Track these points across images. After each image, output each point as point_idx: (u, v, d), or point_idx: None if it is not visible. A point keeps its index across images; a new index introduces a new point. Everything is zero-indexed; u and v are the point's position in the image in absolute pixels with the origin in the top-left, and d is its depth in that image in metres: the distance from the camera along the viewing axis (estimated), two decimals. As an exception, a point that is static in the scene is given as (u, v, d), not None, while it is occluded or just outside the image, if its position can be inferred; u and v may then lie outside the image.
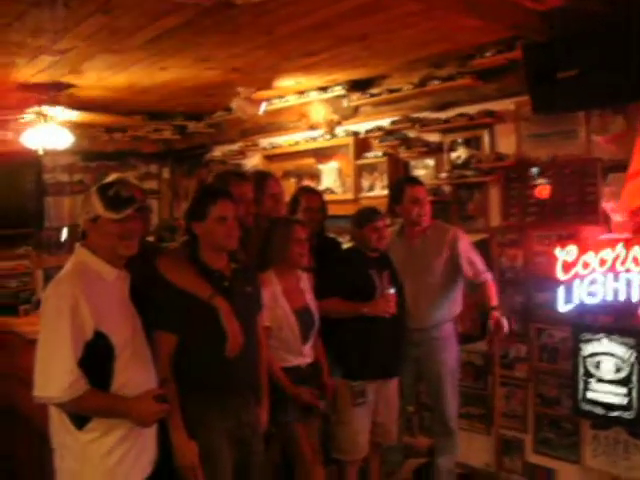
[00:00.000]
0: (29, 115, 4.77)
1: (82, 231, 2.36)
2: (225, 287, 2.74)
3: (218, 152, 6.50)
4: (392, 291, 3.48)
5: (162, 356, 2.61)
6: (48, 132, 4.68)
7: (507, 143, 4.05)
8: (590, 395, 3.57)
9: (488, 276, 3.83)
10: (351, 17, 3.14)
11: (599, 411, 3.54)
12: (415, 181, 4.03)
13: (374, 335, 3.55)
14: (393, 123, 4.70)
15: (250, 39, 3.55)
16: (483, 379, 4.30)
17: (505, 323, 3.74)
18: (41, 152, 4.83)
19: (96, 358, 2.22)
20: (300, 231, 3.35)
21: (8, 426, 3.86)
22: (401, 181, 4.14)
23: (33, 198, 6.18)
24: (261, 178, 3.72)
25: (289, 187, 4.98)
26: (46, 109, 4.67)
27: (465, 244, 3.85)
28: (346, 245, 4.21)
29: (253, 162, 6.04)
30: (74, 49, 3.59)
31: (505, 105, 4.02)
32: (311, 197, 3.98)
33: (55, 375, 2.15)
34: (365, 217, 3.66)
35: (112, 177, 3.03)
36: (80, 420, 2.24)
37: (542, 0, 2.98)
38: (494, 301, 3.78)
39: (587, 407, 3.59)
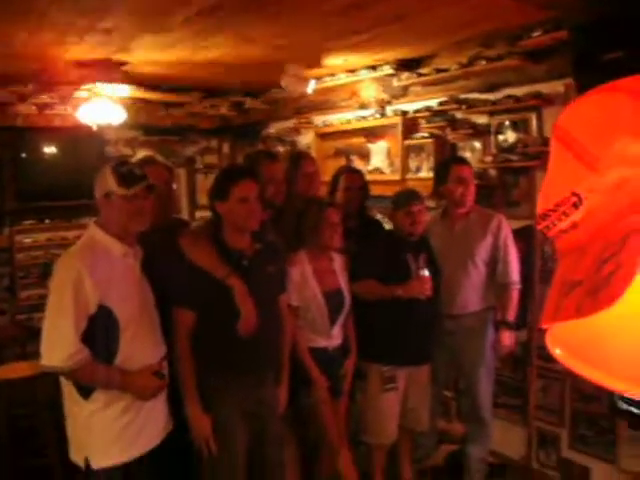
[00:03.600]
0: (85, 91, 4.90)
1: (96, 207, 2.44)
2: (244, 267, 2.77)
3: (274, 129, 6.53)
4: (427, 273, 3.43)
5: (179, 332, 2.69)
6: (102, 108, 4.81)
7: (555, 127, 3.87)
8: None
9: (516, 285, 3.72)
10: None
11: (636, 411, 3.39)
12: (461, 160, 3.96)
13: (406, 320, 3.52)
14: (441, 104, 4.58)
15: (288, 19, 3.52)
16: (521, 369, 4.19)
17: (512, 344, 3.72)
18: (95, 128, 4.97)
19: (101, 331, 2.30)
20: (333, 214, 3.33)
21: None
22: (447, 160, 4.07)
23: (96, 170, 6.38)
24: (296, 158, 3.72)
25: (339, 166, 4.94)
26: (101, 86, 4.80)
27: (507, 237, 3.74)
28: (388, 226, 4.17)
29: (306, 140, 6.04)
30: (119, 29, 3.66)
31: (554, 87, 3.83)
32: (351, 176, 3.95)
33: (57, 346, 2.24)
34: (400, 200, 3.61)
35: (139, 155, 3.12)
36: (86, 391, 2.33)
37: (585, -23, 2.81)
38: (510, 316, 3.69)
39: (624, 406, 3.43)
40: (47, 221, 6.29)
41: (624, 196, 0.74)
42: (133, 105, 5.67)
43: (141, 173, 2.41)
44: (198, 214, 6.96)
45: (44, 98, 5.39)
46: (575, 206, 0.76)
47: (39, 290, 5.87)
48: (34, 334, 5.36)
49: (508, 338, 3.69)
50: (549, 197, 0.79)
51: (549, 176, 0.82)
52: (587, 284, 0.73)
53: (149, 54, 4.34)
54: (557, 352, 0.80)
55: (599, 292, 0.71)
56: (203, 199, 6.89)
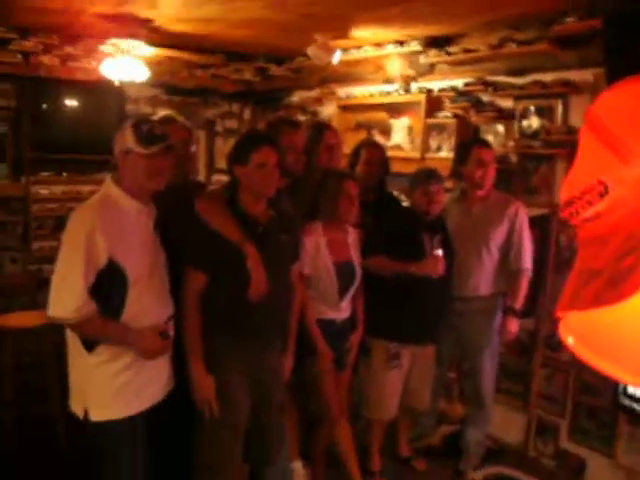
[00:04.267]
0: (110, 46, 4.88)
1: (114, 163, 2.44)
2: (258, 233, 2.77)
3: (297, 97, 6.48)
4: (440, 253, 3.43)
5: (189, 291, 2.70)
6: (126, 64, 4.78)
7: (581, 116, 3.81)
8: (631, 390, 3.42)
9: (528, 272, 3.70)
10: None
11: (638, 407, 3.40)
12: (483, 143, 3.92)
13: (416, 299, 3.52)
14: (466, 84, 4.53)
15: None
16: (526, 357, 4.19)
17: (516, 330, 3.70)
18: (117, 83, 4.96)
19: (109, 286, 2.31)
20: (351, 187, 3.32)
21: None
22: (469, 142, 4.03)
23: (116, 126, 6.36)
24: (318, 129, 3.69)
25: (360, 139, 4.90)
26: (126, 42, 4.77)
27: (523, 224, 3.72)
28: (406, 204, 4.15)
29: (329, 111, 5.99)
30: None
31: (583, 75, 3.77)
32: (372, 150, 3.93)
33: (65, 297, 2.25)
34: (419, 179, 3.60)
35: (160, 114, 3.10)
36: (90, 344, 2.35)
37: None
38: (518, 303, 3.67)
39: (626, 402, 3.44)
40: (64, 174, 6.31)
41: (652, 190, 0.73)
42: (157, 63, 5.62)
43: (162, 132, 2.41)
44: (215, 177, 6.96)
45: (68, 50, 5.35)
46: (601, 195, 0.75)
47: (51, 242, 5.92)
48: (44, 284, 5.46)
49: (514, 325, 3.69)
50: (575, 184, 0.78)
51: (577, 163, 0.81)
52: (607, 275, 0.73)
53: (177, 11, 4.30)
54: (570, 341, 0.80)
55: (618, 284, 0.70)
56: (221, 163, 6.89)
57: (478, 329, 3.80)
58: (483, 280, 3.77)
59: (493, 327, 3.78)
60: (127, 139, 2.35)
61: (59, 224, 5.87)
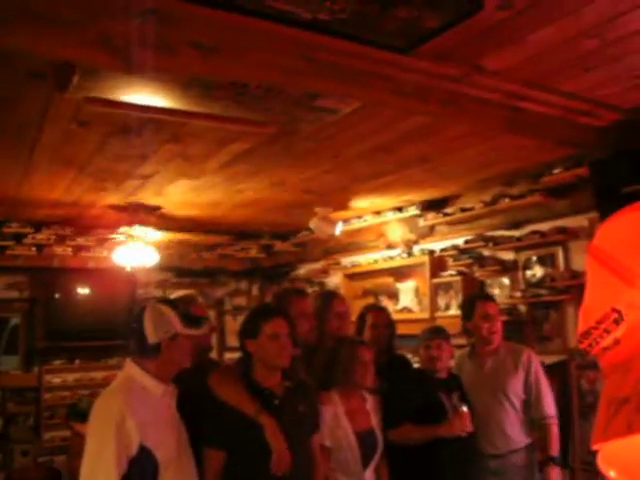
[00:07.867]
0: (121, 235, 5.09)
1: (154, 347, 2.36)
2: (275, 406, 2.72)
3: (303, 270, 6.65)
4: (465, 409, 3.33)
5: (208, 472, 2.60)
6: (136, 251, 4.96)
7: (582, 260, 3.90)
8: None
9: (554, 418, 3.60)
10: (409, 139, 3.21)
11: None
12: (486, 297, 3.94)
13: (446, 460, 3.37)
14: (467, 242, 4.68)
15: (317, 163, 3.70)
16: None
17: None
18: (129, 269, 5.11)
19: (141, 473, 2.22)
20: (365, 352, 3.29)
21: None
22: (472, 297, 4.06)
23: (127, 311, 6.47)
24: (327, 297, 3.74)
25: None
26: (136, 229, 4.98)
27: (538, 370, 3.66)
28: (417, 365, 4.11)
29: (335, 280, 6.11)
30: (156, 174, 3.86)
31: (578, 221, 3.92)
32: (377, 314, 3.94)
33: None
34: (422, 336, 3.59)
35: (179, 294, 3.17)
36: None
37: (599, 116, 2.92)
38: (554, 451, 3.52)
39: None
40: (77, 361, 6.31)
41: (664, 310, 0.75)
42: (165, 247, 5.83)
43: (202, 313, 2.46)
44: (227, 356, 6.94)
45: (80, 241, 5.59)
46: (616, 322, 0.77)
47: (63, 431, 5.79)
48: (56, 477, 5.24)
49: (556, 474, 3.50)
50: (589, 315, 0.80)
51: (588, 294, 0.83)
52: (635, 400, 0.72)
53: (183, 197, 4.54)
54: (611, 474, 0.78)
55: (648, 408, 0.70)
56: (232, 341, 6.90)
57: None
58: (513, 433, 3.62)
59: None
60: (174, 323, 2.35)
61: (72, 412, 5.78)
